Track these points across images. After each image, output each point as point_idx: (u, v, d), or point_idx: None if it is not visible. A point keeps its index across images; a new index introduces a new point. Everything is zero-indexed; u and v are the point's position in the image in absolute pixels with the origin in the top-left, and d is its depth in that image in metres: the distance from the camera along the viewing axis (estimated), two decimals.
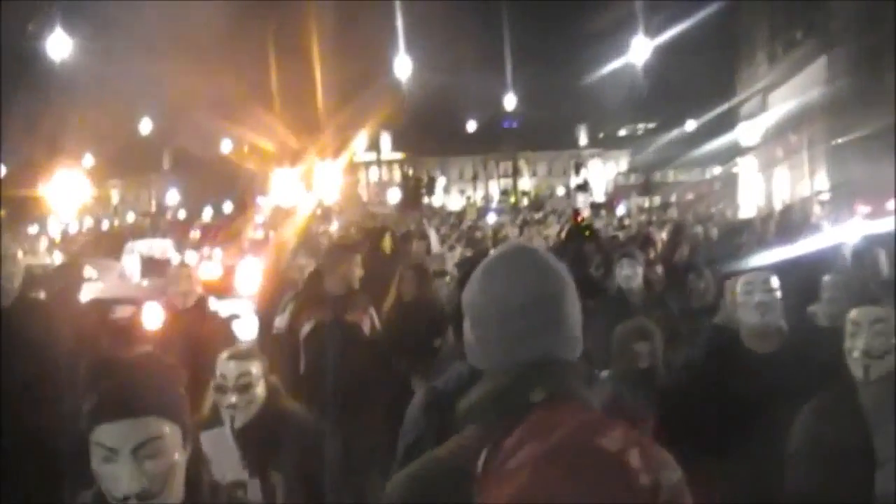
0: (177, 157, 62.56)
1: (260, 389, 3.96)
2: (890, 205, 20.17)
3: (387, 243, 9.66)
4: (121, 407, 2.14)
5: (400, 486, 1.95)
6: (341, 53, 48.78)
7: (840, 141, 25.44)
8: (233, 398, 3.89)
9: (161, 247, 28.87)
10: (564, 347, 1.97)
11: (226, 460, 3.65)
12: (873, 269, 8.26)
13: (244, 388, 3.91)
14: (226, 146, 56.00)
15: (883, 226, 14.14)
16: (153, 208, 66.07)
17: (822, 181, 27.63)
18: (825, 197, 25.79)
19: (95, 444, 2.13)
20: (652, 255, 10.45)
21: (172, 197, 66.12)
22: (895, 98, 22.32)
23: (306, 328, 5.90)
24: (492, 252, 2.22)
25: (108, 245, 29.99)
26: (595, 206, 37.27)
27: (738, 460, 3.77)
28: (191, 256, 27.88)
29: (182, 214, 62.58)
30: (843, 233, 11.00)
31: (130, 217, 63.64)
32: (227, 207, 60.15)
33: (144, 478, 2.10)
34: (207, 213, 61.18)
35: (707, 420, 3.89)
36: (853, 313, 3.41)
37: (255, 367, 3.98)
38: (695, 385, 4.34)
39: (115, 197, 65.51)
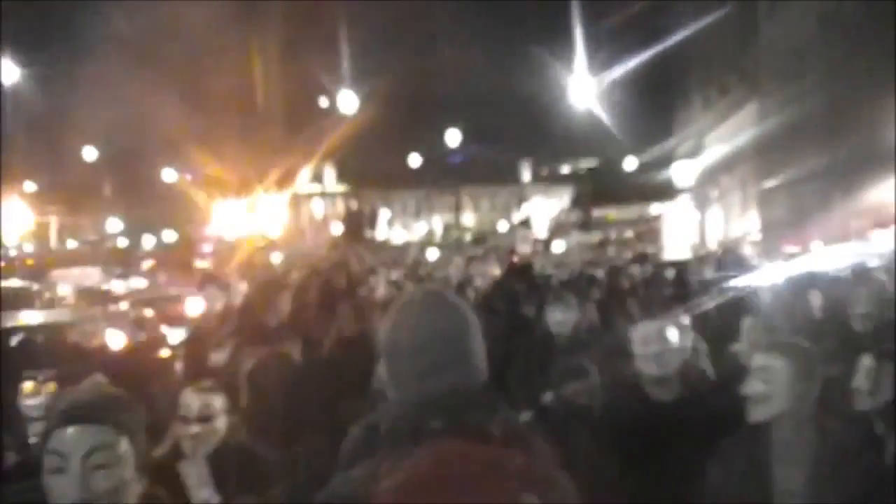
0: (118, 185, 62.07)
1: (221, 422, 4.16)
2: (815, 245, 20.98)
3: (341, 279, 9.95)
4: (76, 412, 2.17)
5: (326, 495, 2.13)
6: (286, 86, 49.07)
7: (769, 184, 26.21)
8: (195, 429, 4.07)
9: (89, 275, 29.14)
10: (467, 378, 2.16)
11: (204, 487, 3.94)
12: (796, 308, 8.75)
13: (206, 419, 4.10)
14: (169, 175, 55.72)
15: (807, 266, 14.79)
16: (94, 236, 65.39)
17: (753, 222, 28.41)
18: (756, 237, 26.60)
19: (48, 453, 2.13)
20: (596, 295, 10.70)
21: (114, 225, 65.52)
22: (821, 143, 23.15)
23: (248, 364, 5.99)
24: (405, 295, 2.48)
25: (35, 273, 30.12)
26: (538, 243, 37.74)
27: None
28: (117, 285, 28.13)
29: (123, 243, 62.07)
30: (770, 272, 11.52)
31: (71, 244, 62.95)
32: (168, 236, 59.80)
33: (92, 489, 2.09)
34: (149, 242, 60.77)
35: (609, 465, 3.93)
36: (752, 359, 3.57)
37: (217, 401, 4.17)
38: (597, 430, 4.36)
39: (54, 224, 64.71)
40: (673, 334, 4.43)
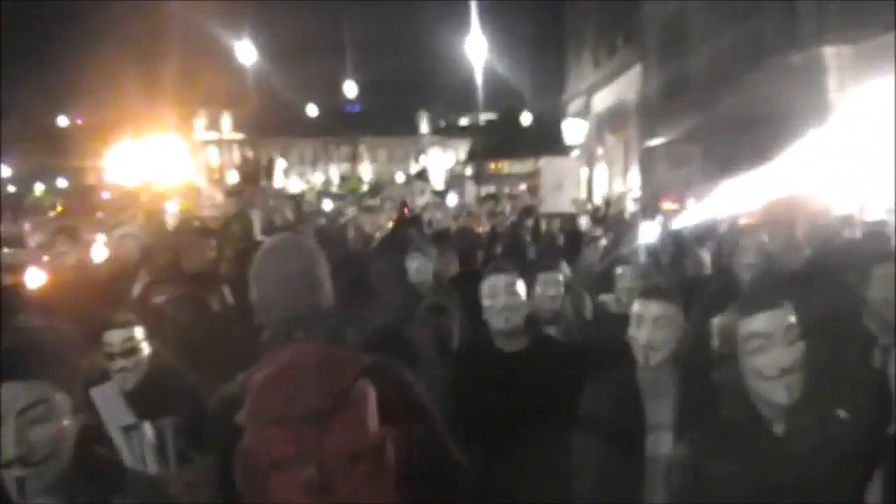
0: (8, 128, 60.41)
1: (145, 351, 4.34)
2: (691, 203, 22.17)
3: (237, 228, 10.47)
4: (8, 369, 2.15)
5: (215, 398, 2.87)
6: (184, 34, 48.56)
7: (650, 143, 27.35)
8: (121, 363, 4.24)
9: None
10: (319, 302, 2.82)
11: (117, 409, 4.10)
12: (665, 262, 9.14)
13: (130, 351, 4.27)
14: (62, 120, 54.70)
15: (681, 223, 15.72)
16: None
17: (635, 179, 29.64)
18: (636, 194, 27.82)
19: None
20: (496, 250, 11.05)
21: (3, 171, 63.79)
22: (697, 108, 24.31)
23: (158, 300, 6.19)
24: (268, 240, 3.11)
25: None
26: (435, 194, 38.28)
27: (488, 452, 3.92)
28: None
29: (11, 189, 60.49)
30: (647, 228, 12.25)
31: None
32: (61, 183, 58.51)
33: (28, 443, 2.10)
34: (39, 189, 59.32)
35: (459, 413, 3.87)
36: (636, 306, 3.71)
37: (138, 332, 4.35)
38: (448, 379, 4.41)
39: None
40: (521, 287, 4.48)
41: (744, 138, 20.30)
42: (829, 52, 17.56)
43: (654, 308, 3.64)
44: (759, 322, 2.81)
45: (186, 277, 6.52)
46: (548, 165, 20.98)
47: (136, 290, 6.46)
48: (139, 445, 4.07)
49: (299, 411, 2.40)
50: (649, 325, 3.61)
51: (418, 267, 6.74)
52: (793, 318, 2.83)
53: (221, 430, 2.66)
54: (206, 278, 6.62)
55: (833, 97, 17.62)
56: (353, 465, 2.40)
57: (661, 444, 3.54)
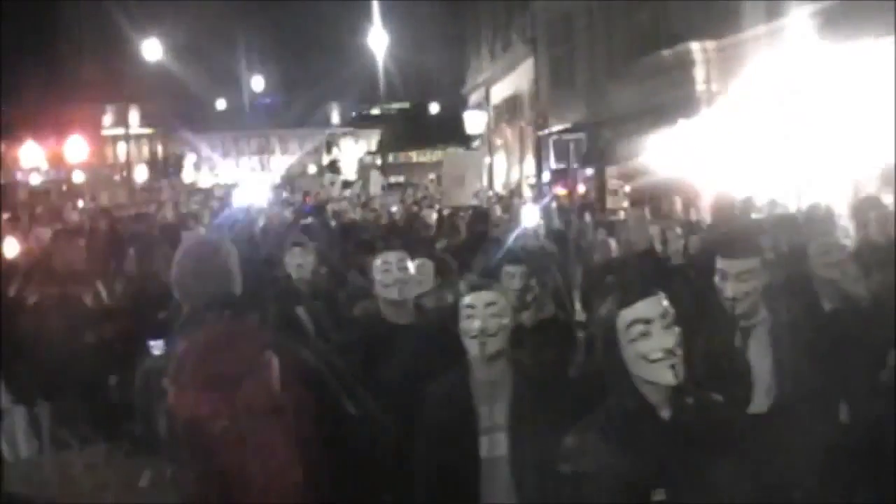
0: None
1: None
2: (580, 189, 23.51)
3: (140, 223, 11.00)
4: None
5: (140, 371, 3.28)
6: (91, 31, 48.49)
7: (543, 133, 28.61)
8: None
9: None
10: (228, 290, 3.33)
11: None
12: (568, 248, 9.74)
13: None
14: None
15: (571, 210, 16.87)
16: None
17: (530, 168, 30.88)
18: (532, 182, 29.10)
19: None
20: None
21: None
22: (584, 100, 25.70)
23: (32, 298, 6.39)
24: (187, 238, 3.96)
25: None
26: (345, 185, 38.78)
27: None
28: None
29: None
30: (530, 212, 13.01)
31: None
32: None
33: None
34: None
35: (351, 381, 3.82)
36: (468, 298, 3.78)
37: None
38: (342, 348, 4.50)
39: None
40: (410, 264, 4.88)
41: (624, 128, 21.58)
42: (696, 48, 18.89)
43: (485, 296, 3.76)
44: (640, 309, 2.92)
45: (59, 277, 6.70)
46: (449, 159, 21.95)
47: (11, 291, 6.65)
48: (12, 430, 4.23)
49: (215, 374, 2.71)
50: (482, 313, 3.70)
51: (299, 263, 6.77)
52: (667, 304, 2.96)
53: (147, 396, 3.07)
54: (78, 276, 6.79)
55: (700, 90, 19.01)
56: (261, 420, 2.72)
57: (497, 445, 3.64)
